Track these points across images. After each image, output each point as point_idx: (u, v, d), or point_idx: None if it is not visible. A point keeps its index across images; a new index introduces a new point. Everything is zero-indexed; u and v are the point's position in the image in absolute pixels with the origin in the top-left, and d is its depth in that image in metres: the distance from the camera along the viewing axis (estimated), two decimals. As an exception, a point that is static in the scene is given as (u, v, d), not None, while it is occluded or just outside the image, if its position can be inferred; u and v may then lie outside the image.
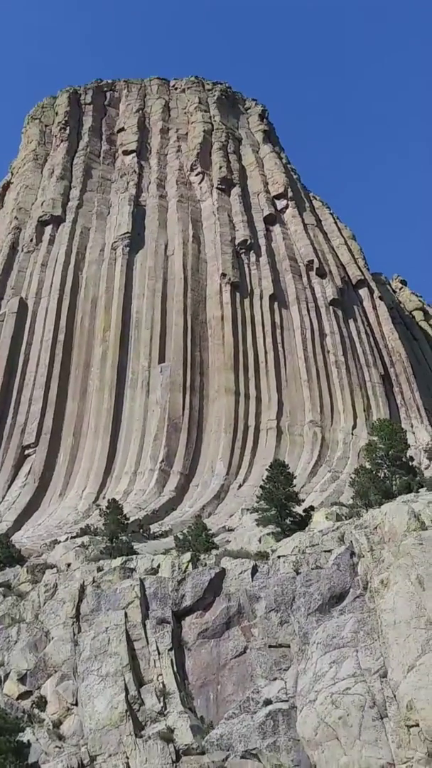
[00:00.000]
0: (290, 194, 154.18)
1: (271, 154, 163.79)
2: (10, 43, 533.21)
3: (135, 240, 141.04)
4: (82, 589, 66.47)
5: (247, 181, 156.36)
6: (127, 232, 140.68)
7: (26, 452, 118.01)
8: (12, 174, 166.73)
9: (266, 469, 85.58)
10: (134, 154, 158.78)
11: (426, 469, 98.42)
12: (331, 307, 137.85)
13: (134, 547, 78.34)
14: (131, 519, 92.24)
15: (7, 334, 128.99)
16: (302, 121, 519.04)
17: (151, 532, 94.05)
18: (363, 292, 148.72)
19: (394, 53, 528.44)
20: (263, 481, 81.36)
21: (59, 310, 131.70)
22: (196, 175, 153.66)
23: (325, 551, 60.03)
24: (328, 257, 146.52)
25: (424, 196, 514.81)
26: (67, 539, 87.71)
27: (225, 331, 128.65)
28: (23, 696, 61.65)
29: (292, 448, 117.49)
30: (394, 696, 45.41)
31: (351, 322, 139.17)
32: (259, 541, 72.92)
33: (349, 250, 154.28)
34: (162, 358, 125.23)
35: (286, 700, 51.10)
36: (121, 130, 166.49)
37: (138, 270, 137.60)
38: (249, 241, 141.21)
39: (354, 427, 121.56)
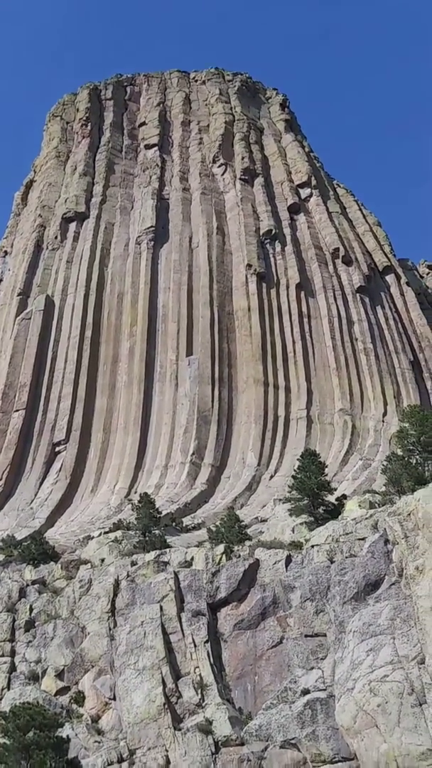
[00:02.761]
0: (314, 183, 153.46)
1: (293, 143, 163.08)
2: (29, 41, 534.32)
3: (159, 234, 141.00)
4: (116, 584, 66.69)
5: (270, 171, 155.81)
6: (152, 226, 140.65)
7: (57, 449, 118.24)
8: (35, 172, 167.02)
9: (297, 459, 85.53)
10: (156, 148, 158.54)
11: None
12: (358, 295, 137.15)
13: (167, 540, 78.44)
14: (163, 512, 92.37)
15: (34, 331, 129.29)
16: (325, 108, 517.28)
17: (184, 525, 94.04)
18: (390, 278, 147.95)
19: (417, 35, 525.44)
20: (295, 470, 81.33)
21: (86, 306, 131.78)
22: (219, 166, 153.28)
23: (358, 539, 60.02)
24: (353, 245, 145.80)
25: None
26: (100, 534, 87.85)
27: (252, 321, 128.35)
28: (61, 692, 61.97)
29: (323, 437, 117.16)
30: (433, 682, 45.21)
31: (378, 309, 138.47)
32: (293, 531, 72.86)
33: (375, 237, 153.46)
34: (190, 351, 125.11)
35: (324, 689, 51.04)
36: (143, 124, 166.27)
37: (163, 264, 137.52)
38: (274, 231, 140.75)
39: (384, 414, 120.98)
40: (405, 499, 58.10)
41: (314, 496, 75.29)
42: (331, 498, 78.23)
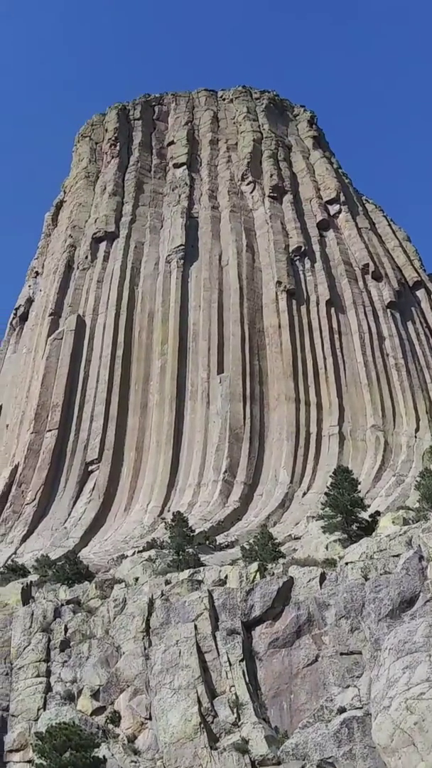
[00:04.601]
0: (342, 199, 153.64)
1: (321, 159, 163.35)
2: (58, 62, 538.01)
3: (189, 252, 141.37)
4: (150, 603, 66.62)
5: (299, 188, 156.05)
6: (181, 245, 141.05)
7: (90, 468, 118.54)
8: (65, 193, 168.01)
9: (330, 476, 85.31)
10: (185, 167, 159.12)
11: None
12: (388, 310, 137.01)
13: (201, 558, 78.34)
14: (197, 531, 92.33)
15: (66, 351, 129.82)
16: (353, 123, 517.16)
17: (218, 543, 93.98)
18: (420, 293, 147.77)
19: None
20: (327, 487, 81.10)
21: (117, 325, 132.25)
22: (248, 184, 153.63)
23: (393, 556, 59.74)
24: (383, 260, 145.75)
25: None
26: (133, 553, 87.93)
27: (283, 338, 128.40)
28: (97, 712, 61.86)
29: (355, 453, 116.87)
30: (470, 700, 44.89)
31: (409, 324, 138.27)
32: (326, 548, 72.60)
33: (405, 252, 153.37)
34: (221, 369, 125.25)
35: (360, 707, 50.82)
36: (171, 143, 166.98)
37: (193, 282, 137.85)
38: (303, 248, 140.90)
39: (417, 429, 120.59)
40: (439, 516, 57.93)
41: (348, 513, 75.01)
42: (365, 515, 77.91)
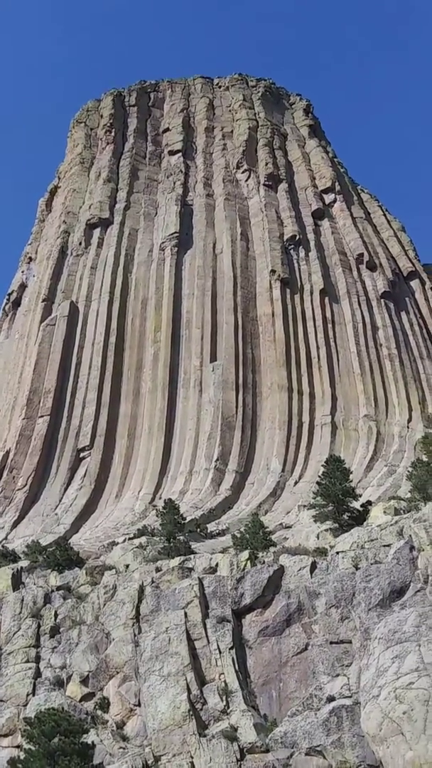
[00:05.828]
0: (338, 188, 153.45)
1: (317, 148, 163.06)
2: (53, 48, 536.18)
3: (183, 240, 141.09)
4: (141, 590, 66.60)
5: (294, 177, 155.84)
6: (175, 232, 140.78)
7: (81, 455, 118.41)
8: (59, 178, 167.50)
9: (322, 465, 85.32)
10: (180, 154, 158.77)
11: None
12: (382, 300, 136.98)
13: (192, 546, 78.41)
14: (188, 518, 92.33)
15: (59, 337, 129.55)
16: (349, 113, 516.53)
17: (208, 531, 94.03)
18: (414, 283, 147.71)
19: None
20: (319, 477, 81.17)
21: (110, 312, 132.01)
22: (243, 172, 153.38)
23: (384, 546, 59.79)
24: (378, 250, 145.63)
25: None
26: (124, 540, 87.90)
27: (276, 327, 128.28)
28: (86, 698, 61.88)
29: (348, 443, 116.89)
30: (459, 690, 44.89)
31: (403, 315, 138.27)
32: (317, 537, 72.67)
33: (399, 242, 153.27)
34: (214, 357, 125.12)
35: (350, 696, 50.86)
36: (166, 130, 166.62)
37: (187, 269, 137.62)
38: (298, 237, 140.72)
39: (409, 420, 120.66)
40: (430, 506, 57.91)
41: (339, 503, 75.09)
42: (356, 504, 78.00)
